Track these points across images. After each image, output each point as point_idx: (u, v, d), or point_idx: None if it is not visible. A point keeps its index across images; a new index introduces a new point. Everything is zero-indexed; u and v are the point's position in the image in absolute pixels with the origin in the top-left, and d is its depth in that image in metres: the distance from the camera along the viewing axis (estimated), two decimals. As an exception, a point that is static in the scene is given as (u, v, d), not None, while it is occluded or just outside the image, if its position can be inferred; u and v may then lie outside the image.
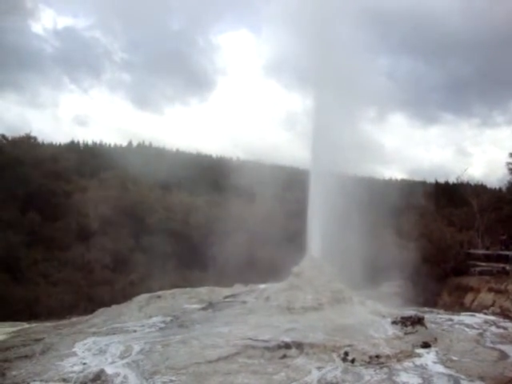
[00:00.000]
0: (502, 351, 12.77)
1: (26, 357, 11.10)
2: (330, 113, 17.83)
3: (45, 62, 65.10)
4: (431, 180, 43.42)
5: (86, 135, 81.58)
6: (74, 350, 11.52)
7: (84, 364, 10.39)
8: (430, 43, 58.68)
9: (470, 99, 77.88)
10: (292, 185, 17.69)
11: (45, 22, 77.39)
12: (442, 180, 43.29)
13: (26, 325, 15.47)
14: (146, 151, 40.36)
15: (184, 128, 68.99)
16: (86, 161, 33.91)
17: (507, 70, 70.00)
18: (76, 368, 10.14)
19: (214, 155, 46.79)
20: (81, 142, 45.54)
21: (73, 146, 41.70)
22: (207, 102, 75.40)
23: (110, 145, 46.83)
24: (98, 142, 46.77)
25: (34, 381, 9.52)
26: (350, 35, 17.68)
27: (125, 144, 47.46)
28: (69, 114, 76.78)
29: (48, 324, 15.34)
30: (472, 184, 30.14)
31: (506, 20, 56.71)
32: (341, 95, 17.73)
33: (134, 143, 47.52)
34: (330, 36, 17.58)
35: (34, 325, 15.41)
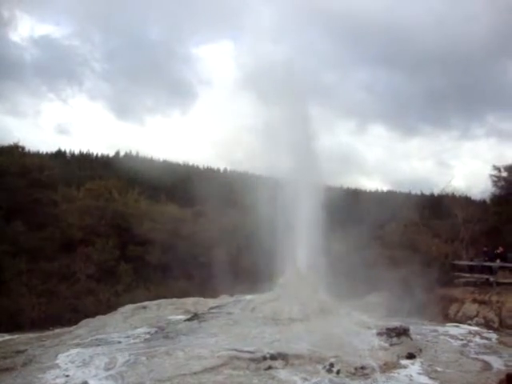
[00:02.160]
0: (485, 362, 12.92)
1: (6, 370, 10.90)
2: (310, 124, 18.03)
3: (24, 70, 64.79)
4: (417, 191, 43.81)
5: (69, 144, 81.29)
6: (56, 361, 11.34)
7: (67, 376, 10.25)
8: (408, 56, 59.79)
9: (449, 112, 79.00)
10: (276, 195, 17.75)
11: (22, 31, 77.06)
12: (427, 192, 43.64)
13: (7, 336, 15.23)
14: (132, 161, 40.34)
15: (166, 138, 69.07)
16: (72, 170, 33.74)
17: (485, 83, 71.57)
18: (59, 380, 10.01)
19: (201, 166, 46.87)
20: (67, 151, 45.55)
21: (59, 156, 41.58)
22: (187, 112, 75.59)
23: (96, 154, 46.89)
24: (84, 151, 46.78)
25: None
26: (330, 48, 18.06)
27: (112, 154, 47.49)
28: (50, 123, 76.56)
29: (31, 335, 15.09)
30: (457, 196, 30.45)
31: (484, 34, 58.04)
32: (321, 107, 18.00)
33: (121, 153, 47.57)
34: (309, 49, 17.86)
35: (16, 336, 15.14)
